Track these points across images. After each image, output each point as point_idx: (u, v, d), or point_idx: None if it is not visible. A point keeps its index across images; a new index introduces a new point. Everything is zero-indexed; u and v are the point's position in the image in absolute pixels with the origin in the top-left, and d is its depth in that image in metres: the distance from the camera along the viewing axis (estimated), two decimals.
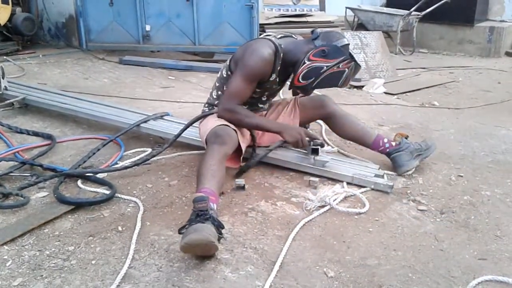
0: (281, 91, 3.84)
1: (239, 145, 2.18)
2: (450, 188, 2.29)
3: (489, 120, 3.55)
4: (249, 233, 1.82)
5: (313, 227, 1.88)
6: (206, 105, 2.45)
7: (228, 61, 2.33)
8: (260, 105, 2.46)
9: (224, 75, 2.34)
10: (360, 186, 2.23)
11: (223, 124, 2.16)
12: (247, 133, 2.35)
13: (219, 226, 1.68)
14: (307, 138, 2.26)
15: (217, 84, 2.41)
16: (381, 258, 1.70)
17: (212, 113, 2.31)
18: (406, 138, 2.46)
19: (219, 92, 2.39)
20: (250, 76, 2.19)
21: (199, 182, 1.87)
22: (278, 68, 2.24)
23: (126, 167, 2.29)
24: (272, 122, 2.35)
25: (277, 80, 2.30)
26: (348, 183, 2.25)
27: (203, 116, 2.34)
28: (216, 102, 2.40)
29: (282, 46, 2.24)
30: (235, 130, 2.17)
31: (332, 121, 2.50)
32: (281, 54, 2.22)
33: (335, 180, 2.28)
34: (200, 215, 1.65)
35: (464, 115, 3.69)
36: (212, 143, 2.05)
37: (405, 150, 2.38)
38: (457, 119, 3.56)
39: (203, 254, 1.65)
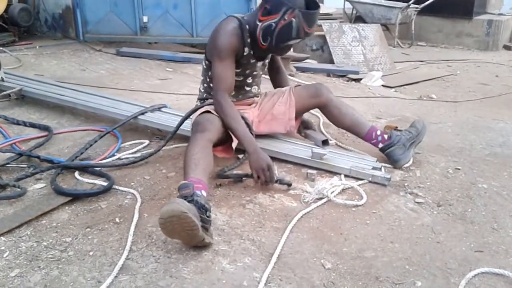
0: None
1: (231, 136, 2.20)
2: (447, 180, 2.29)
3: (486, 113, 3.55)
4: (247, 225, 1.82)
5: (311, 219, 1.89)
6: (197, 100, 2.48)
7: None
8: (247, 88, 2.44)
9: (204, 67, 2.38)
10: (358, 179, 2.22)
11: (205, 112, 2.19)
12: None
13: (201, 207, 1.63)
14: (273, 175, 2.10)
15: (201, 78, 2.45)
16: (378, 250, 1.70)
17: (203, 106, 2.31)
18: (395, 129, 2.45)
19: (205, 85, 2.43)
20: (222, 53, 2.19)
21: (184, 174, 1.88)
22: (248, 40, 2.25)
23: (131, 162, 2.29)
24: (249, 139, 2.17)
25: (252, 54, 2.30)
26: (345, 176, 2.24)
27: (194, 110, 2.33)
28: (204, 96, 2.43)
29: (245, 18, 2.26)
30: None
31: (328, 110, 2.49)
32: (246, 26, 2.24)
33: (332, 173, 2.27)
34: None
35: (462, 108, 3.69)
36: (193, 133, 2.09)
37: (397, 144, 2.36)
38: (455, 112, 3.56)
39: (186, 236, 1.59)
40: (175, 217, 1.54)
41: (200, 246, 1.66)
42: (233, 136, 2.23)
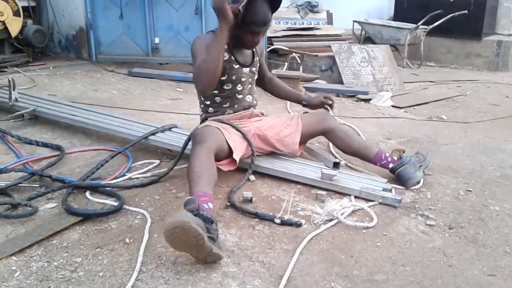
0: (288, 105, 3.86)
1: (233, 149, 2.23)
2: (459, 202, 2.27)
3: (497, 134, 3.53)
4: (256, 247, 1.82)
5: (321, 241, 1.88)
6: (200, 123, 2.53)
7: None
8: (240, 96, 2.47)
9: None
10: (368, 200, 2.22)
11: (202, 126, 2.24)
12: (238, 135, 2.34)
13: (206, 220, 1.64)
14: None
15: (198, 100, 2.55)
16: (389, 274, 1.68)
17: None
18: (403, 152, 2.48)
19: (202, 106, 2.52)
20: (197, 53, 2.21)
21: (189, 189, 1.90)
22: (226, 46, 2.28)
23: (141, 185, 2.31)
24: (216, 37, 2.15)
25: (234, 59, 2.36)
26: (355, 197, 2.24)
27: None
28: (204, 116, 2.51)
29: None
30: (218, 128, 2.25)
31: (334, 134, 2.52)
32: None
33: (342, 194, 2.27)
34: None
35: (472, 129, 3.67)
36: (193, 145, 2.13)
37: (408, 163, 2.39)
38: (465, 133, 3.55)
39: (194, 247, 1.59)
40: (179, 228, 1.55)
41: (210, 262, 1.66)
42: (233, 148, 2.25)
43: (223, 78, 2.37)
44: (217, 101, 2.45)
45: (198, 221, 1.61)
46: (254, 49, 2.49)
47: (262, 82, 2.73)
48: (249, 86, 2.52)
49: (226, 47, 2.29)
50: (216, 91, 2.42)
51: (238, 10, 2.15)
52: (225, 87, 2.41)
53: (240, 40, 2.34)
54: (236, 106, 2.47)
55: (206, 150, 2.04)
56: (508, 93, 5.26)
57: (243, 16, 2.19)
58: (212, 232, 1.66)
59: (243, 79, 2.45)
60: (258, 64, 2.54)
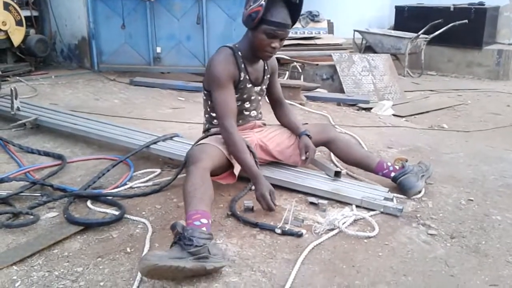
0: None
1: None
2: (460, 212, 2.27)
3: (498, 143, 3.53)
4: (258, 256, 1.81)
5: (322, 251, 1.87)
6: (203, 132, 2.52)
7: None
8: (246, 113, 2.47)
9: (204, 98, 2.44)
10: (369, 209, 2.21)
11: (197, 144, 2.23)
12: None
13: (187, 242, 1.62)
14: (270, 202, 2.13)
15: (203, 109, 2.52)
16: (391, 284, 1.68)
17: (207, 137, 2.34)
18: (406, 162, 2.49)
19: (206, 116, 2.50)
20: (220, 83, 2.24)
21: (185, 209, 1.88)
22: (243, 66, 2.31)
23: (142, 194, 2.31)
24: (254, 168, 2.18)
25: (248, 78, 2.35)
26: (357, 206, 2.23)
27: (196, 143, 2.34)
28: (207, 126, 2.49)
29: (237, 45, 2.33)
30: (217, 144, 2.23)
31: (335, 145, 2.54)
32: (239, 52, 2.31)
33: (344, 203, 2.27)
34: (173, 241, 1.68)
35: (473, 138, 3.67)
36: (187, 166, 2.09)
37: (411, 172, 2.39)
38: (466, 142, 3.55)
39: (172, 278, 1.61)
40: (153, 270, 1.54)
41: (212, 273, 1.65)
42: (234, 162, 2.25)
43: (235, 95, 2.35)
44: None
45: (171, 253, 1.60)
46: (266, 66, 2.46)
47: (270, 101, 2.64)
48: (257, 103, 2.53)
49: (242, 65, 2.31)
50: None
51: (261, 7, 2.13)
52: None
53: (256, 45, 2.26)
54: (241, 121, 2.46)
55: (200, 170, 2.01)
56: (509, 102, 5.28)
57: (262, 14, 2.14)
58: (198, 252, 1.61)
59: (252, 97, 2.45)
60: (268, 82, 2.53)
